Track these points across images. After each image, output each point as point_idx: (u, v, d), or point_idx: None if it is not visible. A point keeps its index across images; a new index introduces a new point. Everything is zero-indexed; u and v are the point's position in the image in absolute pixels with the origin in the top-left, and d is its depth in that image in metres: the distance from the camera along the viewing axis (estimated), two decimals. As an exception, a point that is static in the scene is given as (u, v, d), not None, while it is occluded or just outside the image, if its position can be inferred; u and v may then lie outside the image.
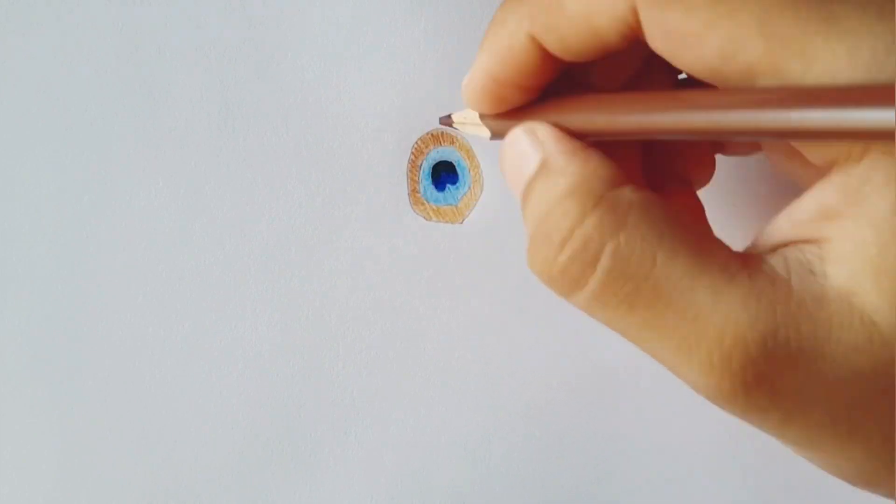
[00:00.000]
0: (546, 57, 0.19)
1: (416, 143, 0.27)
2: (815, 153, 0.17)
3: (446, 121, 0.24)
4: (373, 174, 0.27)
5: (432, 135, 0.27)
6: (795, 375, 0.17)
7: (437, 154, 0.27)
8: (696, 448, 0.28)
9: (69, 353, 0.27)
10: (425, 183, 0.27)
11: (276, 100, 0.27)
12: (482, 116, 0.21)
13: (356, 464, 0.27)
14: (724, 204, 0.27)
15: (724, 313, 0.17)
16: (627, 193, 0.18)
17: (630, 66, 0.20)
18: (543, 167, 0.19)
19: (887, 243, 0.16)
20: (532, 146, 0.20)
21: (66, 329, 0.27)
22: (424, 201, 0.27)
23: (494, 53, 0.20)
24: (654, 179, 0.23)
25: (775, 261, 0.17)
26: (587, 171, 0.18)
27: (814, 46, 0.16)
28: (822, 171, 0.17)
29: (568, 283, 0.18)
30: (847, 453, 0.18)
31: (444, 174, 0.27)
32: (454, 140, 0.27)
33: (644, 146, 0.23)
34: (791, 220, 0.18)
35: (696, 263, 0.17)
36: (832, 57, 0.16)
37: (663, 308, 0.17)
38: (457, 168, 0.27)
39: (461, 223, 0.27)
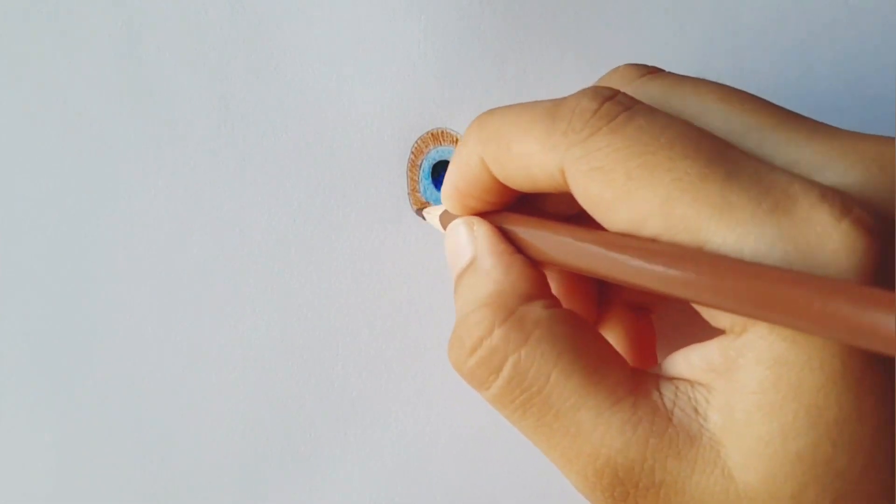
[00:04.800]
0: (496, 180, 0.21)
1: (416, 142, 0.27)
2: (707, 318, 0.19)
3: (419, 213, 0.27)
4: (373, 174, 0.27)
5: (432, 134, 0.27)
6: (656, 501, 0.19)
7: (436, 153, 0.27)
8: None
9: (68, 352, 0.27)
10: (425, 182, 0.27)
11: (275, 100, 0.27)
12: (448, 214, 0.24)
13: (356, 464, 0.27)
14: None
15: (601, 435, 0.19)
16: (537, 310, 0.20)
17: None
18: (472, 265, 0.21)
19: (751, 414, 0.17)
20: (467, 240, 0.22)
21: (65, 329, 0.27)
22: (424, 201, 0.27)
23: (456, 167, 0.22)
24: (610, 298, 0.25)
25: (666, 390, 0.19)
26: (507, 280, 0.21)
27: (706, 231, 0.17)
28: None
29: (475, 382, 0.21)
30: None
31: (444, 174, 0.27)
32: (454, 139, 0.27)
33: None
34: (686, 360, 0.19)
35: (586, 385, 0.19)
36: (721, 242, 0.17)
37: (551, 419, 0.20)
38: (457, 167, 0.27)
39: (461, 223, 0.27)
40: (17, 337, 0.27)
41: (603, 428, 0.19)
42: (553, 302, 0.21)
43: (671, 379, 0.19)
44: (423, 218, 0.26)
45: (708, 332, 0.19)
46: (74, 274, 0.27)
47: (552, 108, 0.20)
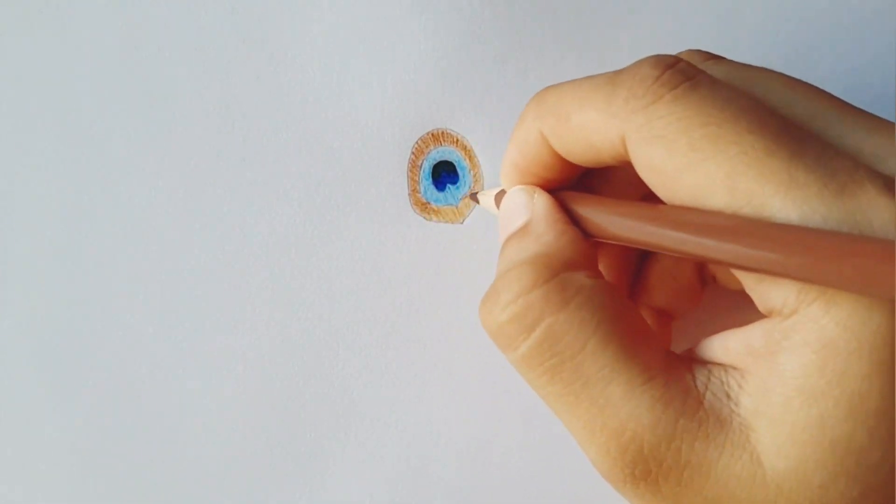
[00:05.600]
0: (556, 155, 0.21)
1: (417, 142, 0.27)
2: (756, 299, 0.19)
3: (473, 197, 0.27)
4: (373, 174, 0.27)
5: (432, 134, 0.27)
6: (679, 483, 0.18)
7: (437, 154, 0.27)
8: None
9: (68, 353, 0.27)
10: (425, 183, 0.27)
11: (276, 99, 0.27)
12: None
13: (356, 464, 0.27)
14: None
15: (631, 409, 0.19)
16: (581, 278, 0.20)
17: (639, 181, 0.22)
18: (525, 227, 0.21)
19: (791, 399, 0.17)
20: (524, 204, 0.22)
21: (65, 330, 0.27)
22: (424, 201, 0.27)
23: (515, 143, 0.22)
24: (636, 299, 0.25)
25: (700, 374, 0.19)
26: (557, 244, 0.20)
27: (771, 207, 0.17)
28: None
29: (504, 340, 0.20)
30: None
31: (444, 174, 0.27)
32: (455, 139, 0.27)
33: (639, 264, 0.25)
34: (722, 345, 0.19)
35: (620, 358, 0.19)
36: (785, 219, 0.17)
37: (579, 388, 0.19)
38: (457, 168, 0.27)
39: (461, 223, 0.27)
40: (17, 338, 0.27)
41: (634, 402, 0.18)
42: (598, 274, 0.20)
43: (705, 363, 0.19)
44: (478, 202, 0.26)
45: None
46: (74, 274, 0.27)
47: (612, 77, 0.19)
